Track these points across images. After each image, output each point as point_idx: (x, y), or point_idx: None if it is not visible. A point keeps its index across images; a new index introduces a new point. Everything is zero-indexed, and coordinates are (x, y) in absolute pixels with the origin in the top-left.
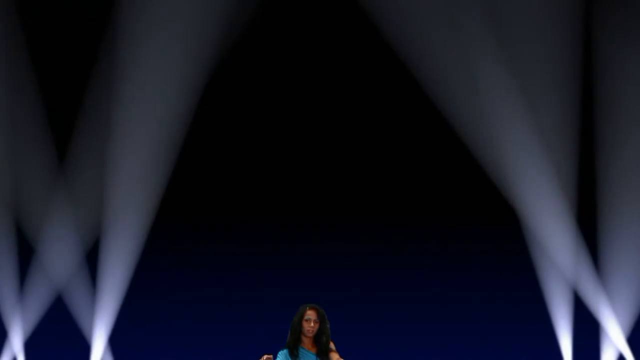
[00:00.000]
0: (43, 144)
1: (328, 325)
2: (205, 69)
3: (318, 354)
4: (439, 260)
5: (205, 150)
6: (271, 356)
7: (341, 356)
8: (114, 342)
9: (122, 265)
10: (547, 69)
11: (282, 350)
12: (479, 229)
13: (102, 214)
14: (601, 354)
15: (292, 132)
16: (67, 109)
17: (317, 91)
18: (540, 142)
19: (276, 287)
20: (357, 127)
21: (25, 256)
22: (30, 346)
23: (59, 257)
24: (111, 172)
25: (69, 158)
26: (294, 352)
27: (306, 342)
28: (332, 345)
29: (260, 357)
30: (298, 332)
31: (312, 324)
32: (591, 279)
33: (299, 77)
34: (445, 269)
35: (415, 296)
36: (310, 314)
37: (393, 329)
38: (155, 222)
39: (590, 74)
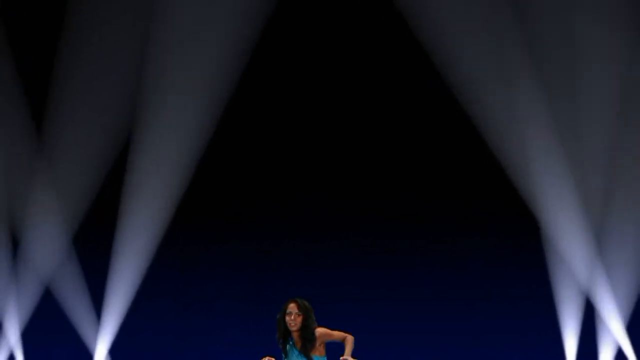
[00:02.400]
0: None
1: (314, 318)
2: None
3: (300, 350)
4: (442, 259)
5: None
6: (273, 359)
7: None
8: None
9: (133, 264)
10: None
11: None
12: (487, 226)
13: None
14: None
15: (289, 131)
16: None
17: (318, 90)
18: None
19: (275, 287)
20: (363, 127)
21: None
22: (26, 340)
23: (44, 248)
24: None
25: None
26: (285, 349)
27: (295, 337)
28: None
29: (262, 359)
30: (282, 327)
31: (292, 317)
32: (602, 278)
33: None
34: (450, 267)
35: (415, 295)
36: (291, 307)
37: (394, 327)
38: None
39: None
